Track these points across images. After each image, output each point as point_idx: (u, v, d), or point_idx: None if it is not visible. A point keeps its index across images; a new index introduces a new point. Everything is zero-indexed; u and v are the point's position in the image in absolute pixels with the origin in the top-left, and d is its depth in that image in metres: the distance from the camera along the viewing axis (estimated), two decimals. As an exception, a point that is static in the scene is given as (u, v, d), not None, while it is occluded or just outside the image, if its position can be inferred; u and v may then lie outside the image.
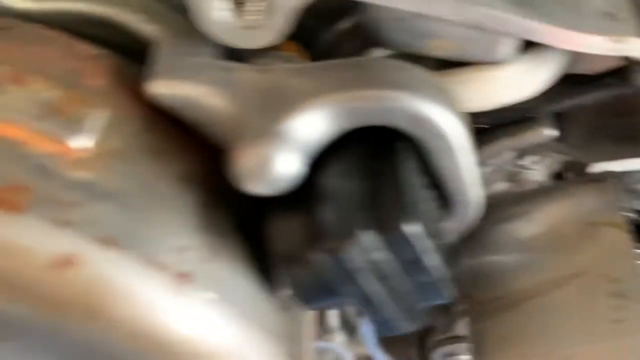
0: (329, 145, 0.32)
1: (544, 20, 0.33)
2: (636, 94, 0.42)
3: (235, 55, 0.34)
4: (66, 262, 0.26)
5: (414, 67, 0.33)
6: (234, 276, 0.31)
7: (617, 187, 0.37)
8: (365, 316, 0.34)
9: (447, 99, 0.32)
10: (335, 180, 0.32)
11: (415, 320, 0.34)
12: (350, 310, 0.60)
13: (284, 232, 0.32)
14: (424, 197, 0.32)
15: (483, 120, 0.38)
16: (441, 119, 0.31)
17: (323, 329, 0.56)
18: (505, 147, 0.39)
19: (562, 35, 0.33)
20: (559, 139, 0.40)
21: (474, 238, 0.40)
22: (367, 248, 0.29)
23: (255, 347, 0.32)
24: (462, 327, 0.48)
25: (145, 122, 0.32)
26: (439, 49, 0.35)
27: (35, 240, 0.25)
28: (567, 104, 0.38)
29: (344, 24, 0.43)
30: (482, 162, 0.41)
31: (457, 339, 0.48)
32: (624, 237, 0.35)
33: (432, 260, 0.31)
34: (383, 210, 0.30)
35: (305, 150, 0.31)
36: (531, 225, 0.39)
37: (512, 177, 0.43)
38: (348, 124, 0.31)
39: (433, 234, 0.31)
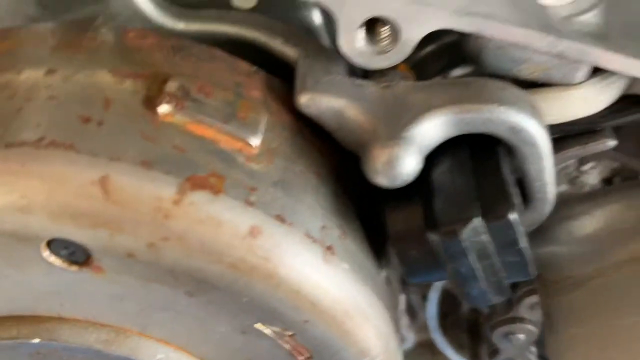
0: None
1: (618, 51, 0.40)
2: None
3: (358, 73, 0.42)
4: (252, 233, 0.33)
5: (511, 86, 0.40)
6: (358, 252, 0.39)
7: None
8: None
9: (537, 113, 0.40)
10: (446, 176, 0.39)
11: (503, 294, 0.41)
12: (414, 297, 0.67)
13: (401, 217, 0.40)
14: (515, 192, 0.40)
15: (554, 132, 0.46)
16: (533, 129, 0.39)
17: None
18: (571, 155, 0.46)
19: (632, 65, 0.40)
20: (615, 148, 0.48)
21: (540, 232, 0.47)
22: (476, 232, 0.37)
23: (374, 309, 0.39)
24: (522, 309, 0.54)
25: (293, 126, 0.39)
26: (528, 72, 0.43)
27: (231, 215, 0.33)
28: (626, 119, 0.45)
29: (431, 47, 0.50)
30: (552, 167, 0.49)
31: (516, 319, 0.55)
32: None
33: (524, 243, 0.38)
34: (491, 201, 0.37)
35: (423, 151, 0.38)
36: (591, 222, 0.46)
37: (571, 180, 0.50)
38: (457, 131, 0.39)
39: (522, 223, 0.39)
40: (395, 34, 0.39)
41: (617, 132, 0.49)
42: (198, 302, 0.35)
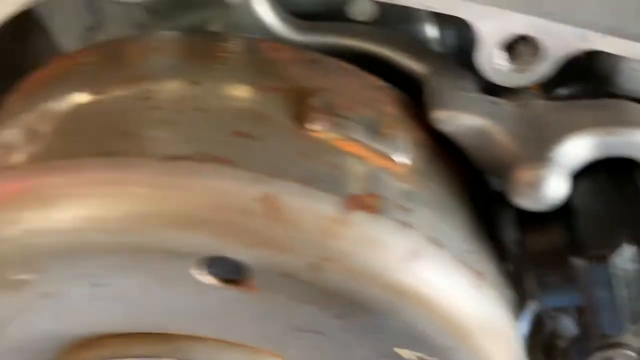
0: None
1: None
2: None
3: (489, 90, 0.41)
4: (412, 256, 0.32)
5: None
6: (501, 277, 0.38)
7: None
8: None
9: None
10: (588, 199, 0.38)
11: (635, 322, 0.40)
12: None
13: (541, 239, 0.39)
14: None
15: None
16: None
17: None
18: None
19: None
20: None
21: None
22: (624, 259, 0.36)
23: (514, 338, 0.38)
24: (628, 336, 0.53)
25: (427, 144, 0.38)
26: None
27: (391, 237, 0.32)
28: None
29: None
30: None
31: (619, 345, 0.53)
32: None
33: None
34: (634, 227, 0.36)
35: (569, 173, 0.37)
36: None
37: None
38: (600, 154, 0.38)
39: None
40: (536, 51, 0.38)
41: None
42: (345, 324, 0.34)
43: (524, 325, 0.61)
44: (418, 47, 0.43)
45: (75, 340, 0.38)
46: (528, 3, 0.37)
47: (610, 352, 0.54)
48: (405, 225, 0.33)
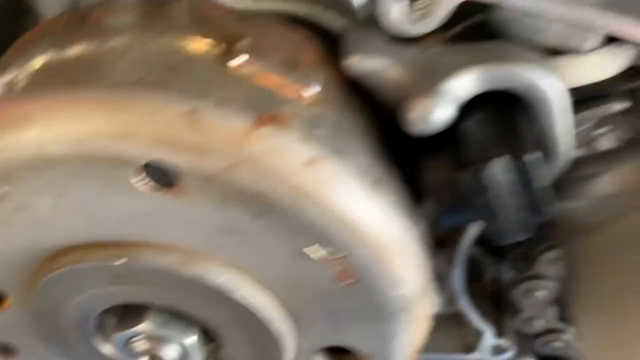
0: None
1: (627, 18, 0.46)
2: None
3: (400, 39, 0.48)
4: (312, 162, 0.39)
5: (531, 49, 0.46)
6: (400, 192, 0.45)
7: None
8: (488, 227, 0.47)
9: (555, 72, 0.46)
10: (472, 127, 0.45)
11: (526, 231, 0.46)
12: (441, 266, 0.72)
13: (433, 165, 0.46)
14: (533, 142, 0.45)
15: (574, 96, 0.51)
16: (549, 86, 0.45)
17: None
18: (587, 116, 0.52)
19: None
20: (629, 112, 0.53)
21: (560, 188, 0.53)
22: (500, 170, 0.42)
23: (412, 244, 0.45)
24: (541, 266, 0.59)
25: (342, 82, 0.46)
26: (546, 41, 0.48)
27: (294, 146, 0.39)
28: (636, 84, 0.51)
29: (473, 20, 0.55)
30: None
31: (536, 276, 0.60)
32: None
33: (541, 182, 0.44)
34: (514, 144, 0.43)
35: (455, 103, 0.44)
36: (603, 180, 0.52)
37: (588, 144, 0.55)
38: (484, 87, 0.45)
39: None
40: (431, 3, 0.45)
41: (632, 97, 0.55)
42: (260, 225, 0.41)
43: (458, 268, 0.68)
44: (339, 7, 0.50)
45: (46, 254, 0.46)
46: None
47: (530, 284, 0.61)
48: (308, 137, 0.40)
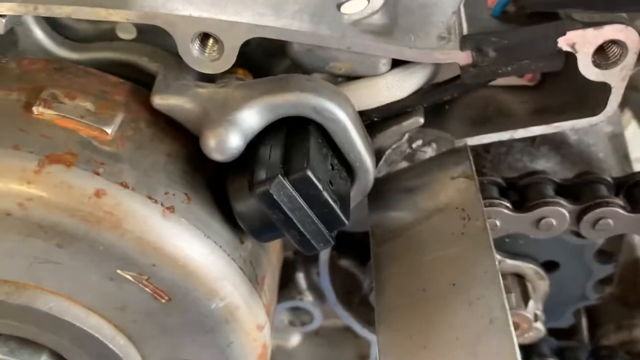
0: (266, 127, 0.51)
1: (399, 44, 0.51)
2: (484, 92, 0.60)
3: (208, 77, 0.54)
4: (97, 194, 0.45)
5: (316, 78, 0.51)
6: (203, 214, 0.50)
7: (470, 153, 0.55)
8: (294, 239, 0.51)
9: (338, 96, 0.51)
10: (266, 150, 0.50)
11: (327, 242, 0.51)
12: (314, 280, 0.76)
13: (237, 186, 0.50)
14: (321, 160, 0.50)
15: (375, 115, 0.56)
16: (333, 108, 0.50)
17: (296, 291, 0.73)
18: (392, 133, 0.57)
19: (414, 54, 0.51)
20: (434, 126, 0.58)
21: (379, 199, 0.57)
22: (282, 187, 0.47)
23: (217, 257, 0.49)
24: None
25: (150, 120, 0.51)
26: (337, 69, 0.54)
27: (80, 181, 0.45)
28: (432, 99, 0.56)
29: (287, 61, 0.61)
30: (382, 146, 0.59)
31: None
32: (471, 183, 0.52)
33: (327, 196, 0.48)
34: (293, 163, 0.48)
35: (246, 132, 0.49)
36: (415, 185, 0.57)
37: (409, 158, 0.60)
38: (274, 116, 0.50)
39: (328, 181, 0.49)
40: (220, 45, 0.51)
41: (442, 113, 0.60)
42: (68, 252, 0.46)
43: (324, 278, 0.72)
44: (156, 53, 0.56)
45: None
46: (202, 9, 0.50)
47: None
48: (96, 173, 0.45)
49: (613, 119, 0.75)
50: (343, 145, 0.52)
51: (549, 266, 0.65)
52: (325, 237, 0.51)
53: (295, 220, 0.49)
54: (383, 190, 0.58)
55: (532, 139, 0.64)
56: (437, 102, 0.57)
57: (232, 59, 0.51)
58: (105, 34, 0.59)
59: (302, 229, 0.50)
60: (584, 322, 0.89)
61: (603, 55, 0.51)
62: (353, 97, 0.54)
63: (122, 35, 0.59)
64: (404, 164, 0.61)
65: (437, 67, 0.56)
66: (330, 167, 0.51)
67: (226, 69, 0.52)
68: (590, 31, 0.49)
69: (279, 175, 0.47)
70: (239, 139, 0.49)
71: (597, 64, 0.51)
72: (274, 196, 0.47)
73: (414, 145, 0.59)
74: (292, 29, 0.50)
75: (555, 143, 0.65)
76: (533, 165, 0.65)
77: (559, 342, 0.75)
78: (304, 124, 0.51)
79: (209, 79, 0.54)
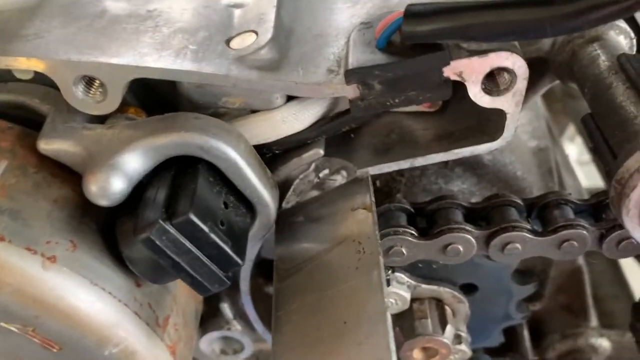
0: (158, 167, 0.50)
1: (288, 80, 0.50)
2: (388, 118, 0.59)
3: (100, 118, 0.53)
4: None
5: (204, 116, 0.50)
6: (90, 260, 0.49)
7: (370, 184, 0.54)
8: (184, 282, 0.50)
9: (228, 134, 0.50)
10: (153, 191, 0.49)
11: (222, 283, 0.50)
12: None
13: (124, 230, 0.49)
14: (212, 199, 0.49)
15: (276, 148, 0.56)
16: (221, 146, 0.49)
17: (224, 321, 0.72)
18: (295, 165, 0.56)
19: (301, 89, 0.51)
20: (340, 154, 0.57)
21: (285, 231, 0.57)
22: (164, 232, 0.46)
23: (106, 304, 0.48)
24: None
25: (36, 165, 0.50)
26: (231, 104, 0.53)
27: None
28: (331, 131, 0.55)
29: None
30: (289, 176, 0.58)
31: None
32: (369, 215, 0.52)
33: (214, 239, 0.47)
34: (176, 206, 0.47)
35: (130, 176, 0.48)
36: (319, 217, 0.56)
37: (319, 186, 0.59)
38: (159, 156, 0.49)
39: (218, 222, 0.48)
40: (104, 87, 0.50)
41: (346, 143, 0.60)
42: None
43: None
44: (50, 94, 0.55)
45: None
46: (83, 52, 0.49)
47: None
48: (-28, 226, 0.44)
49: (538, 133, 0.75)
50: (237, 182, 0.51)
51: (468, 289, 0.64)
52: (220, 278, 0.50)
53: (183, 264, 0.48)
54: (290, 222, 0.57)
55: (446, 161, 0.63)
56: (337, 132, 0.56)
57: (118, 100, 0.50)
58: (2, 75, 0.58)
59: (192, 272, 0.49)
60: (525, 334, 0.89)
61: (494, 81, 0.50)
62: (249, 132, 0.54)
63: (19, 75, 0.58)
64: (315, 193, 0.60)
65: (336, 98, 0.55)
66: (222, 206, 0.51)
67: (112, 109, 0.51)
68: (475, 60, 0.48)
69: (159, 221, 0.46)
70: (122, 182, 0.48)
71: (487, 91, 0.50)
72: (156, 242, 0.46)
73: (321, 175, 0.58)
74: (173, 68, 0.49)
75: (470, 164, 0.64)
76: (449, 187, 0.64)
77: (495, 359, 0.75)
78: (195, 163, 0.50)
79: (100, 119, 0.53)
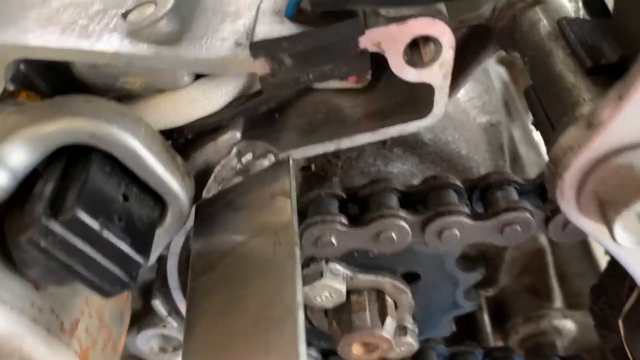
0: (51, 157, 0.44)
1: (188, 55, 0.45)
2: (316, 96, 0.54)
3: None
4: None
5: (97, 98, 0.45)
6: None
7: (291, 167, 0.49)
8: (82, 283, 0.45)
9: (124, 119, 0.45)
10: (41, 185, 0.44)
11: (123, 286, 0.45)
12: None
13: (13, 229, 0.44)
14: (108, 191, 0.44)
15: (187, 132, 0.50)
16: (116, 133, 0.44)
17: (158, 318, 0.67)
18: (211, 150, 0.51)
19: (203, 65, 0.45)
20: (264, 137, 0.52)
21: (204, 224, 0.52)
22: (47, 232, 0.41)
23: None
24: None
25: None
26: (131, 84, 0.48)
27: None
28: (248, 112, 0.50)
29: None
30: (209, 162, 0.53)
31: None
32: (287, 203, 0.47)
33: (107, 237, 0.42)
34: (63, 202, 0.42)
35: (13, 169, 0.43)
36: (239, 206, 0.51)
37: (243, 172, 0.54)
38: (48, 146, 0.44)
39: (115, 217, 0.43)
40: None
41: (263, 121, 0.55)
42: None
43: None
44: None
45: None
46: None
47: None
48: None
49: (488, 107, 0.69)
50: (138, 172, 0.46)
51: (410, 277, 0.60)
52: (120, 280, 0.45)
53: (75, 266, 0.43)
54: (210, 212, 0.52)
55: (384, 141, 0.58)
56: (255, 113, 0.51)
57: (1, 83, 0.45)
58: None
59: (86, 275, 0.44)
60: (486, 320, 0.85)
61: (418, 52, 0.45)
62: (153, 115, 0.48)
63: None
64: (239, 180, 0.55)
65: (253, 75, 0.50)
66: (121, 199, 0.46)
67: (-3, 93, 0.46)
68: (394, 27, 0.43)
69: (41, 220, 0.41)
70: (5, 177, 0.43)
71: (411, 63, 0.45)
72: (40, 243, 0.41)
73: (243, 160, 0.53)
74: (56, 46, 0.43)
75: (409, 143, 0.59)
76: (388, 169, 0.59)
77: (450, 348, 0.70)
78: (88, 152, 0.45)
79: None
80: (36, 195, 0.43)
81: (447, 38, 0.44)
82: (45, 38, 0.44)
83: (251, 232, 0.48)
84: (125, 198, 0.46)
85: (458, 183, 0.53)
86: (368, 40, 0.43)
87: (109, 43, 0.44)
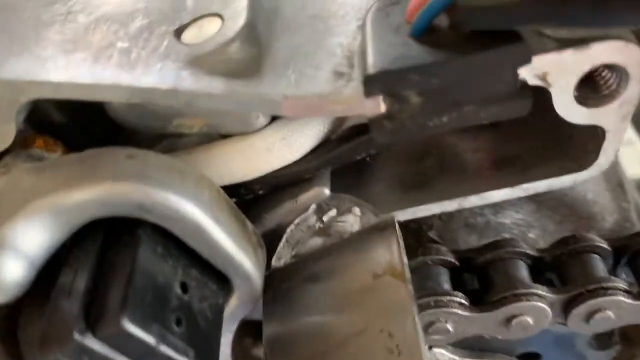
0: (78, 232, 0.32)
1: (271, 93, 0.32)
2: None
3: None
4: None
5: (145, 153, 0.32)
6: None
7: (400, 235, 0.36)
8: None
9: (182, 181, 0.32)
10: (69, 275, 0.31)
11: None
12: None
13: (29, 337, 0.32)
14: (161, 281, 0.32)
15: (258, 187, 0.38)
16: (172, 201, 0.31)
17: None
18: (288, 211, 0.39)
19: (291, 107, 0.32)
20: (352, 190, 0.40)
21: (277, 302, 0.39)
22: (83, 351, 0.29)
23: None
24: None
25: None
26: (187, 127, 0.35)
27: None
28: (338, 161, 0.37)
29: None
30: (281, 222, 0.41)
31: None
32: (402, 288, 0.34)
33: (164, 352, 0.30)
34: (102, 305, 0.29)
35: (29, 256, 0.30)
36: (327, 283, 0.38)
37: (323, 232, 0.42)
38: (76, 221, 0.31)
39: (172, 321, 0.31)
40: None
41: (361, 174, 0.42)
42: None
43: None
44: None
45: None
46: None
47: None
48: None
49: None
50: (201, 250, 0.33)
51: (528, 357, 0.48)
52: None
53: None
54: (286, 289, 0.40)
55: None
56: (346, 163, 0.38)
57: (11, 133, 0.32)
58: None
59: None
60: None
61: (591, 87, 0.33)
62: (217, 168, 0.36)
63: None
64: (317, 241, 0.43)
65: (339, 118, 0.37)
66: (179, 291, 0.33)
67: (4, 146, 0.33)
68: (570, 54, 0.30)
69: (74, 336, 0.29)
70: (20, 267, 0.30)
71: (582, 101, 0.33)
72: (69, 360, 0.29)
73: (325, 218, 0.41)
74: (87, 82, 0.31)
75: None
76: (499, 219, 0.47)
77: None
78: (133, 226, 0.33)
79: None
80: (63, 290, 0.31)
81: (637, 68, 0.31)
82: (73, 71, 0.31)
83: (351, 326, 0.36)
84: (184, 288, 0.33)
85: (605, 245, 0.41)
86: (531, 71, 0.30)
87: (161, 76, 0.31)
